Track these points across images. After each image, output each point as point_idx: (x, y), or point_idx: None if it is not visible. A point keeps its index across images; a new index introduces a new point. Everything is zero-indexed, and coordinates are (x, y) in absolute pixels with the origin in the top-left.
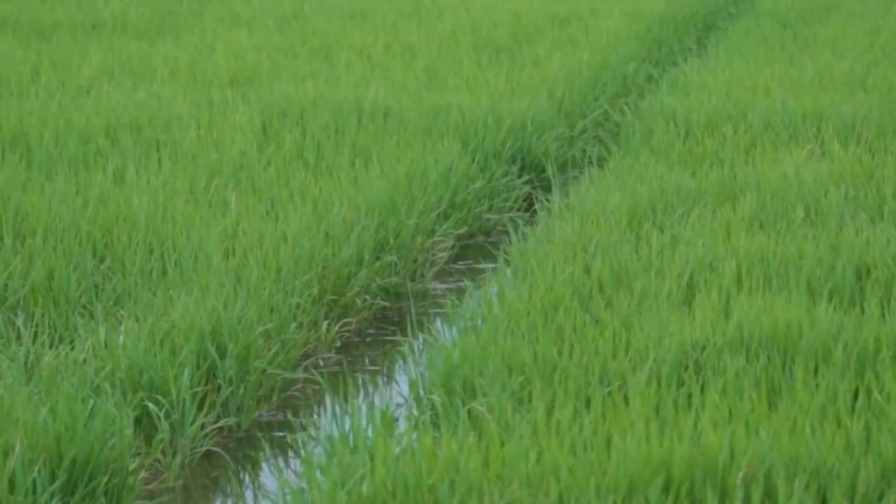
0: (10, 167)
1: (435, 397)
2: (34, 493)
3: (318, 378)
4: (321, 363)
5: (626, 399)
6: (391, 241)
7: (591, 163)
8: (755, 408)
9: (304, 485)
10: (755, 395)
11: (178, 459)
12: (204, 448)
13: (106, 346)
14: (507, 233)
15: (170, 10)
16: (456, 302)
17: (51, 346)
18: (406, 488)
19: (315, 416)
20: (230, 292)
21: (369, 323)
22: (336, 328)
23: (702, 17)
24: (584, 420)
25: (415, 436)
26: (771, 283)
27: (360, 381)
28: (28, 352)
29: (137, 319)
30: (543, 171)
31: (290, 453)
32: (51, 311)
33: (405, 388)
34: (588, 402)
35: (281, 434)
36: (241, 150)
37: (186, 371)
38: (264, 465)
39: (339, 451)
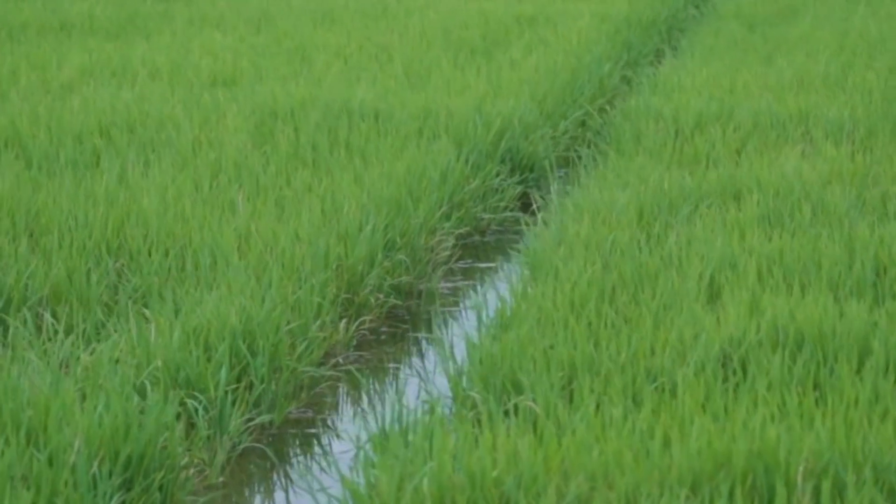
0: (15, 168)
1: (474, 394)
2: (95, 488)
3: (357, 376)
4: (340, 361)
5: (673, 394)
6: (398, 240)
7: (586, 163)
8: (805, 403)
9: (360, 481)
10: (801, 390)
11: (219, 456)
12: (243, 445)
13: (140, 344)
14: (501, 232)
15: (135, 10)
16: (479, 300)
17: (84, 345)
18: (472, 483)
19: (346, 414)
20: (255, 291)
21: (381, 321)
22: (354, 326)
23: (665, 19)
24: (637, 415)
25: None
26: (792, 281)
27: (386, 379)
28: (58, 351)
29: (175, 316)
30: (532, 170)
31: (329, 449)
32: (73, 311)
33: (432, 385)
34: (635, 398)
35: (313, 430)
36: (237, 150)
37: (223, 368)
38: (304, 462)
39: (395, 447)
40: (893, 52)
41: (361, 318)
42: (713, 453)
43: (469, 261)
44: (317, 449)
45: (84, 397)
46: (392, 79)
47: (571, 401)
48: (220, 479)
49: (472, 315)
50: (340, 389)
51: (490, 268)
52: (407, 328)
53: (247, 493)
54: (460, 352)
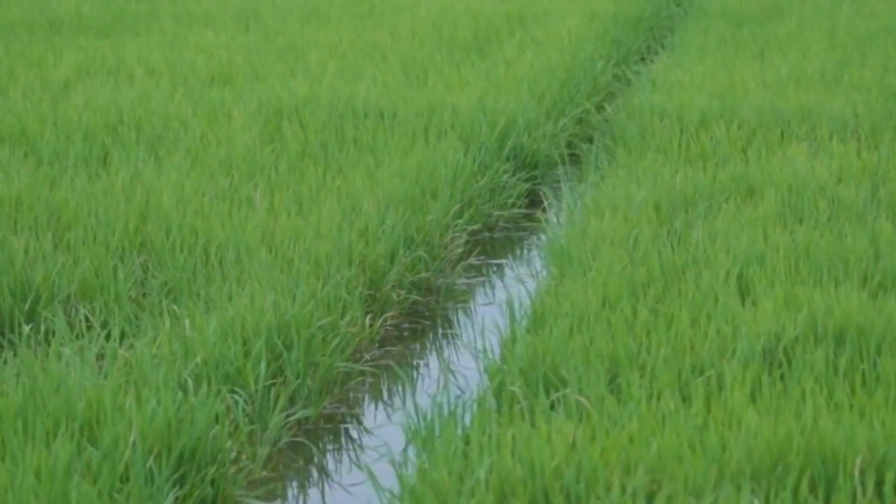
0: (27, 167)
1: (515, 388)
2: (151, 483)
3: (398, 371)
4: (367, 357)
5: (720, 388)
6: (415, 236)
7: (595, 160)
8: (857, 396)
9: (413, 475)
10: (847, 383)
11: (262, 451)
12: (284, 440)
13: (177, 339)
14: (509, 229)
15: (122, 8)
16: (510, 296)
17: (120, 341)
18: (532, 475)
19: (380, 409)
20: (284, 287)
21: (403, 317)
22: (379, 322)
23: (649, 17)
24: (688, 409)
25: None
26: (821, 277)
27: (415, 374)
28: (94, 346)
29: (207, 312)
30: (536, 167)
31: (365, 444)
32: (103, 307)
33: (463, 380)
34: (682, 392)
35: (349, 425)
36: (247, 147)
37: (262, 364)
38: (346, 456)
39: (449, 441)
40: (885, 50)
41: (386, 315)
42: (770, 447)
43: (482, 257)
44: (356, 443)
45: (126, 393)
46: (390, 77)
47: (617, 395)
48: (263, 473)
49: (494, 310)
50: (370, 385)
51: (503, 264)
52: (428, 324)
53: (293, 488)
54: (491, 347)
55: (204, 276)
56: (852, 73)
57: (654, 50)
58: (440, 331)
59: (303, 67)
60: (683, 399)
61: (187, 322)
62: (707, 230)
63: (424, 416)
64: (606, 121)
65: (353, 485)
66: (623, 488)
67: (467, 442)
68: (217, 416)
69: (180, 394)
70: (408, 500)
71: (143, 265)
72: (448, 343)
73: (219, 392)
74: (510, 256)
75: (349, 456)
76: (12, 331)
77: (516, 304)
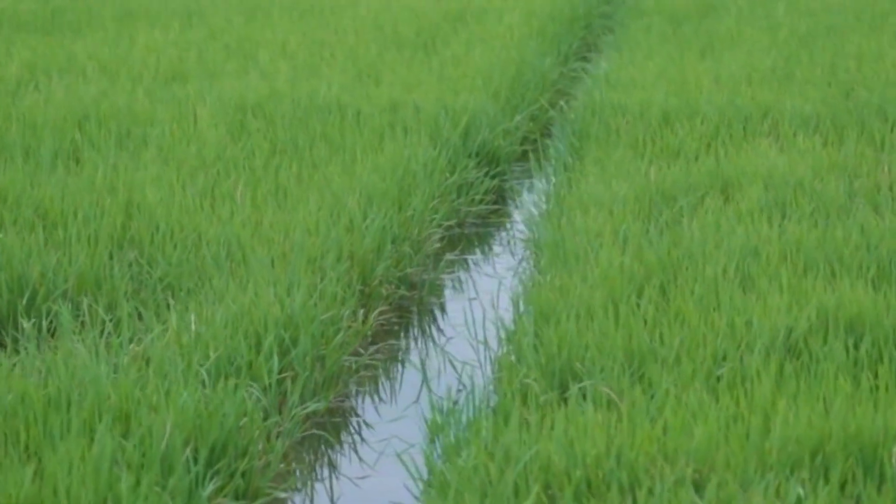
0: (1, 162)
1: (531, 381)
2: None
3: (420, 366)
4: (361, 351)
5: (743, 379)
6: (397, 232)
7: (564, 157)
8: (884, 385)
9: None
10: (871, 375)
11: (279, 444)
12: (300, 433)
13: (188, 334)
14: (477, 224)
15: (60, 6)
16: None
17: (131, 336)
18: (574, 465)
19: (389, 401)
20: (283, 282)
21: (392, 312)
22: (373, 316)
23: (584, 14)
24: (715, 401)
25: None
26: (818, 270)
27: (414, 368)
28: (102, 340)
29: (210, 307)
30: (498, 163)
31: (382, 436)
32: (99, 302)
33: (468, 374)
34: (706, 383)
35: (361, 418)
36: (218, 144)
37: (275, 357)
38: (363, 448)
39: (478, 432)
40: (829, 48)
41: (379, 309)
42: (807, 436)
43: (457, 252)
44: (370, 436)
45: (146, 387)
46: (344, 74)
47: (641, 387)
48: (281, 465)
49: (477, 305)
50: (371, 378)
51: (479, 259)
52: (416, 318)
53: (313, 481)
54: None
55: (198, 271)
56: (803, 70)
57: (593, 47)
58: (430, 325)
59: (255, 65)
60: (709, 390)
61: (193, 317)
62: (699, 225)
63: (452, 408)
64: (563, 117)
65: (364, 477)
66: (664, 478)
67: (495, 434)
68: (246, 409)
69: (200, 388)
70: (452, 490)
71: (137, 261)
72: (445, 337)
73: (236, 386)
74: (485, 251)
75: (366, 448)
76: (14, 326)
77: (512, 299)
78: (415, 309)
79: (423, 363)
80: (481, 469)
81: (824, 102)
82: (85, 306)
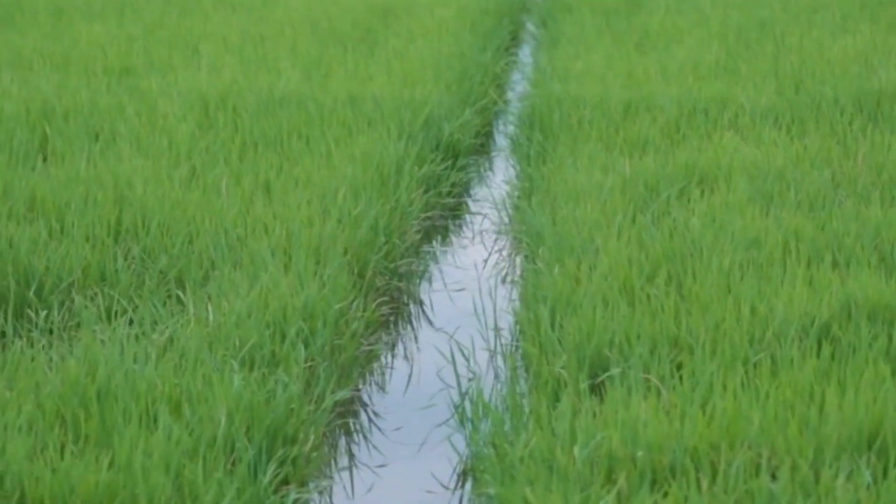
0: None
1: (561, 370)
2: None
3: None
4: (363, 341)
5: (778, 367)
6: (385, 223)
7: (528, 149)
8: None
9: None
10: None
11: (312, 432)
12: (331, 421)
13: (209, 324)
14: (445, 217)
15: None
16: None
17: (152, 326)
18: (635, 449)
19: (405, 390)
20: (293, 273)
21: (388, 303)
22: (373, 307)
23: (508, 9)
24: (754, 387)
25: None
26: (821, 259)
27: (427, 356)
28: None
29: (237, 297)
30: (458, 156)
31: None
32: (104, 293)
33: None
34: (744, 370)
35: (376, 406)
36: (190, 137)
37: (300, 346)
38: (388, 438)
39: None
40: (770, 41)
41: (377, 300)
42: (863, 422)
43: (435, 243)
44: (391, 424)
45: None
46: (293, 69)
47: (674, 373)
48: (314, 454)
49: (466, 296)
50: (381, 367)
51: (457, 250)
52: (413, 309)
53: (349, 469)
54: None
55: (200, 262)
56: (747, 64)
57: (524, 41)
58: (426, 316)
59: (200, 59)
60: (747, 376)
61: (210, 307)
62: (696, 215)
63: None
64: (514, 111)
65: (383, 466)
66: (728, 463)
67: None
68: (295, 397)
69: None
70: (520, 474)
71: (140, 253)
72: (437, 328)
73: (264, 376)
74: (462, 243)
75: (395, 437)
76: (22, 317)
77: (520, 289)
78: (405, 300)
79: (418, 353)
80: (546, 454)
81: (779, 95)
82: (99, 298)
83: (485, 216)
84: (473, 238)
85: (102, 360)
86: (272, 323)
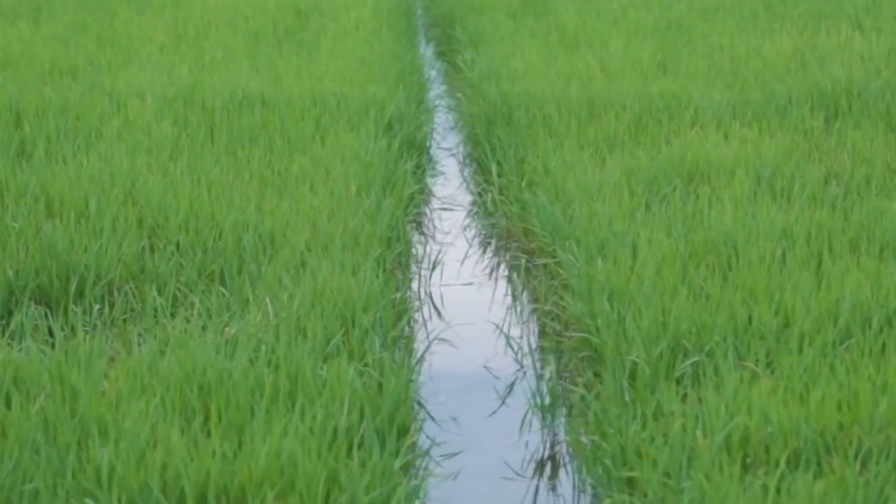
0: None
1: (635, 358)
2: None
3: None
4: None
5: (866, 353)
6: (398, 216)
7: (505, 146)
8: None
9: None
10: None
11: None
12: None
13: (270, 317)
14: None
15: None
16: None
17: (209, 319)
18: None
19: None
20: (337, 264)
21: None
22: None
23: (404, 11)
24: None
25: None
26: (858, 249)
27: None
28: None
29: (298, 290)
30: (422, 152)
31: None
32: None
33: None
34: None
35: (444, 396)
36: (173, 137)
37: (375, 336)
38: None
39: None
40: (693, 39)
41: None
42: None
43: (436, 240)
44: (476, 411)
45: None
46: (240, 68)
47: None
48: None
49: (485, 290)
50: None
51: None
52: (435, 301)
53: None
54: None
55: (237, 256)
56: (684, 61)
57: (448, 41)
58: (450, 307)
59: (139, 59)
60: (843, 363)
61: (268, 300)
62: (716, 210)
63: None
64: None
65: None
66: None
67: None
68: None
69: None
70: (655, 459)
71: (172, 249)
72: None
73: (349, 363)
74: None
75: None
76: (65, 312)
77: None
78: (426, 292)
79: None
80: (684, 436)
81: (732, 93)
82: (152, 293)
83: (476, 212)
84: (474, 238)
85: (193, 355)
86: (337, 314)
